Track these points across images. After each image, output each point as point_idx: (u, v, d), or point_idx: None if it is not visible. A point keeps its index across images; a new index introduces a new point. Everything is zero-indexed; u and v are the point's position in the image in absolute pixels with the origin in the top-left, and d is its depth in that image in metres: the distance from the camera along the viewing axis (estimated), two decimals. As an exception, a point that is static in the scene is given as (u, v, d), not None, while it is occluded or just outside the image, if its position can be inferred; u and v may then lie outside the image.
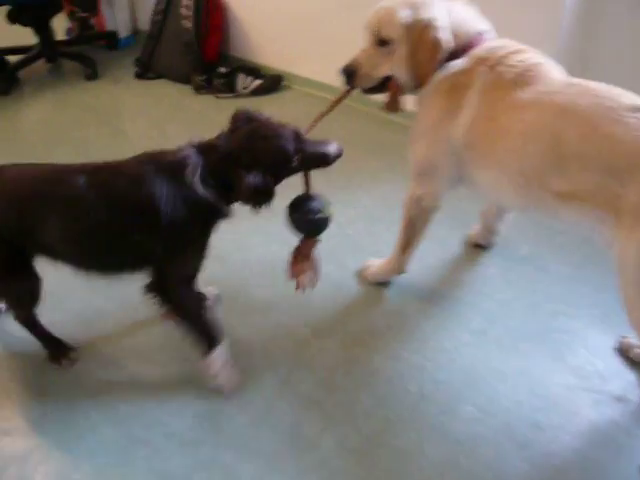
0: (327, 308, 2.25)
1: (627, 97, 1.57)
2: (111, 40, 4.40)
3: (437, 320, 2.20)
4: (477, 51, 1.78)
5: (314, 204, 1.80)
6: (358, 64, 1.92)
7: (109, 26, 4.38)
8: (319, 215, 1.80)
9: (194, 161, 1.64)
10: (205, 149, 1.68)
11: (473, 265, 2.45)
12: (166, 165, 1.66)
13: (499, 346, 2.09)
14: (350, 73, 1.93)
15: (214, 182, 1.66)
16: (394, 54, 1.83)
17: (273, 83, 3.69)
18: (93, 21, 4.42)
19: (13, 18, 3.99)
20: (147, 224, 1.66)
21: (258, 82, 3.65)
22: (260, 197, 1.66)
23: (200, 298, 2.03)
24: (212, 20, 3.78)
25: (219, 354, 1.88)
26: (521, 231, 2.55)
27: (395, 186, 2.83)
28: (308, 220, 1.81)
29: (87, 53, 4.24)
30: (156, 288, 1.79)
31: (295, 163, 1.70)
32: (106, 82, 4.05)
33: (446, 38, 1.76)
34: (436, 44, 1.76)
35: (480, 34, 1.82)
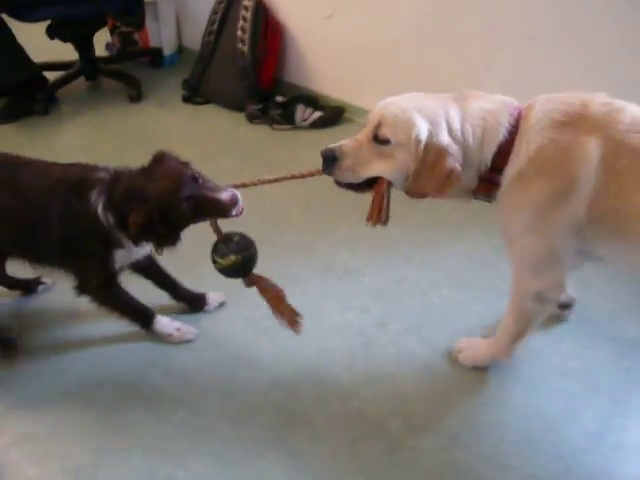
0: (417, 397, 1.97)
1: None
2: (155, 58, 4.13)
3: (546, 418, 1.92)
4: (545, 119, 1.54)
5: (224, 248, 1.83)
6: (343, 153, 1.63)
7: (153, 42, 4.11)
8: (233, 256, 1.82)
9: (103, 186, 1.77)
10: (117, 178, 1.79)
11: (577, 348, 2.16)
12: (78, 181, 1.79)
13: (618, 452, 1.80)
14: (331, 159, 1.64)
15: (115, 211, 1.76)
16: (393, 158, 1.60)
17: (334, 115, 3.40)
18: (136, 36, 4.16)
19: (53, 33, 3.75)
20: (41, 231, 1.83)
21: (318, 114, 3.37)
22: (146, 236, 1.75)
23: (118, 288, 2.01)
24: (269, 44, 3.50)
25: (162, 325, 2.09)
26: (627, 307, 2.26)
27: (479, 244, 2.55)
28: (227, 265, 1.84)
29: (130, 71, 3.99)
30: (78, 289, 1.96)
31: (185, 208, 1.71)
32: (151, 105, 3.79)
33: (459, 166, 1.54)
34: (451, 175, 1.54)
35: (511, 106, 1.60)
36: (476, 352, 2.03)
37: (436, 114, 1.55)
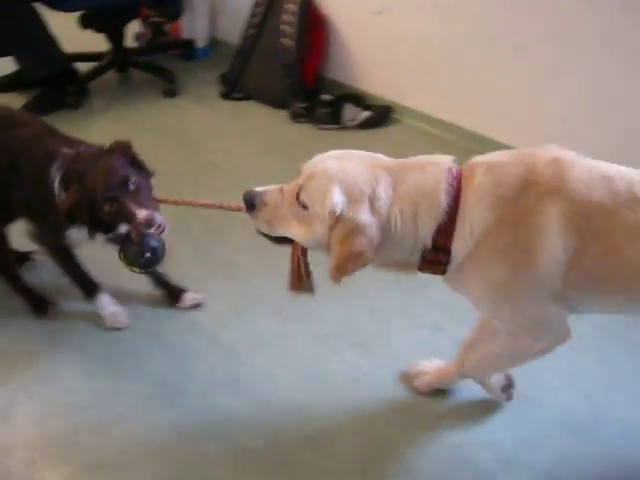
0: (504, 426, 1.87)
1: None
2: (187, 50, 3.98)
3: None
4: (487, 197, 1.37)
5: (132, 250, 1.86)
6: (263, 204, 1.49)
7: (186, 34, 3.96)
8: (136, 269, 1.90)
9: (64, 162, 1.83)
10: (78, 157, 1.84)
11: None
12: (48, 153, 1.87)
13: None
14: (250, 206, 1.51)
15: (64, 189, 1.83)
16: (311, 225, 1.44)
17: (381, 115, 3.28)
18: (168, 27, 4.00)
19: (86, 23, 3.59)
20: (13, 185, 1.95)
21: (367, 114, 3.24)
22: (73, 221, 1.83)
23: (67, 252, 2.06)
24: (314, 39, 3.36)
25: (102, 302, 2.13)
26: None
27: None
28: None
29: (161, 64, 3.84)
30: (33, 237, 2.06)
31: (106, 208, 1.76)
32: (186, 100, 3.64)
33: (369, 249, 1.37)
34: (358, 257, 1.37)
35: (449, 180, 1.40)
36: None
37: (360, 189, 1.38)
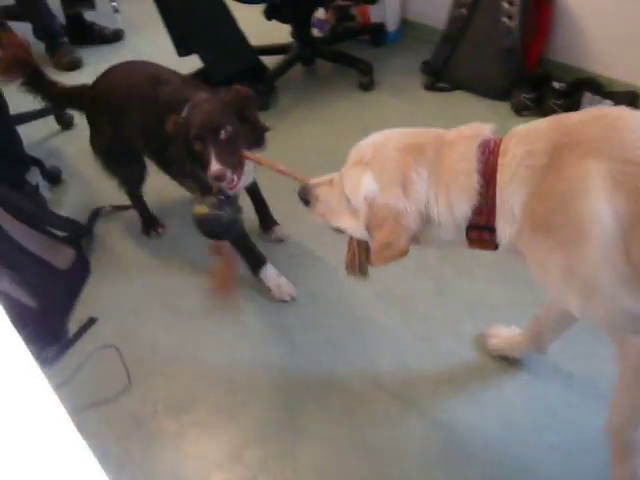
0: None
1: None
2: (377, 35, 3.59)
3: None
4: (521, 170, 1.22)
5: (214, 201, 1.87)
6: (315, 198, 1.49)
7: (375, 16, 3.58)
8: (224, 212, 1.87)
9: (191, 104, 1.94)
10: (199, 99, 1.95)
11: None
12: (184, 99, 1.98)
13: None
14: (305, 202, 1.52)
15: None
16: (358, 216, 1.39)
17: (626, 104, 2.75)
18: (355, 10, 3.64)
19: (272, 14, 3.31)
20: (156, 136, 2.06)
21: (610, 103, 2.74)
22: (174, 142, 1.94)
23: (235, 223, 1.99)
24: (539, 18, 2.89)
25: (268, 274, 2.20)
26: None
27: None
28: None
29: (347, 52, 3.49)
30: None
31: (196, 147, 1.87)
32: (383, 92, 3.27)
33: (406, 237, 1.32)
34: (394, 244, 1.32)
35: (482, 159, 1.26)
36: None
37: (392, 175, 1.32)
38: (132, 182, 2.47)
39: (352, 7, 3.60)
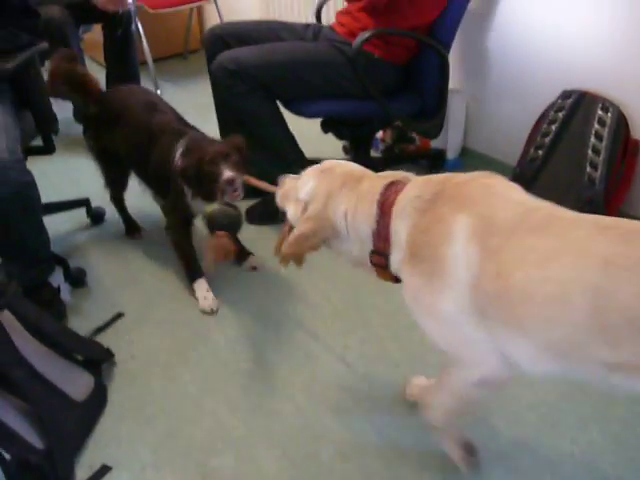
0: None
1: None
2: (436, 161, 3.40)
3: None
4: (409, 207, 1.48)
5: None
6: (282, 183, 1.84)
7: (435, 142, 3.40)
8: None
9: (188, 139, 2.37)
10: (197, 137, 2.42)
11: None
12: (178, 131, 2.43)
13: None
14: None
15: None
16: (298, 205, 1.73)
17: None
18: (414, 132, 3.46)
19: (327, 128, 3.13)
20: (148, 158, 2.49)
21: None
22: (183, 177, 2.30)
23: (185, 230, 2.54)
24: (626, 170, 2.69)
25: (200, 285, 2.54)
26: None
27: None
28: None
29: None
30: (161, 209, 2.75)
31: (206, 168, 2.22)
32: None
33: (314, 240, 1.66)
34: (309, 245, 1.68)
35: (383, 194, 1.55)
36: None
37: (326, 188, 1.63)
38: (115, 185, 2.86)
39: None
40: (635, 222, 1.29)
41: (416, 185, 1.51)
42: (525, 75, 3.04)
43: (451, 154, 3.40)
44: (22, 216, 2.23)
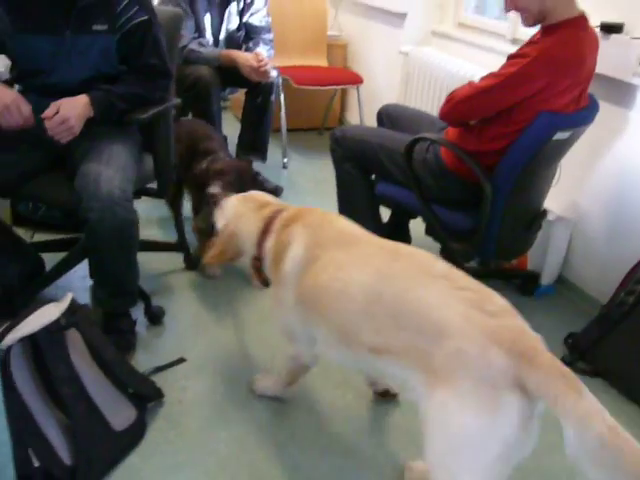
0: None
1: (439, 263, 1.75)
2: (529, 283, 3.35)
3: None
4: (277, 224, 2.12)
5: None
6: (220, 204, 2.47)
7: (531, 263, 3.35)
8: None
9: (212, 157, 3.08)
10: (220, 156, 3.11)
11: None
12: (209, 150, 3.14)
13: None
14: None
15: None
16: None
17: None
18: (511, 251, 3.43)
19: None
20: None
21: None
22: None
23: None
24: None
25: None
26: None
27: None
28: None
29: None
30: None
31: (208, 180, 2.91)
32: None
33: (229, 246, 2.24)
34: (225, 257, 2.27)
35: (267, 217, 2.16)
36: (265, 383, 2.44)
37: (238, 210, 2.25)
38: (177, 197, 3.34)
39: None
40: (404, 246, 1.88)
41: (288, 213, 2.10)
42: (637, 217, 2.96)
43: (546, 280, 3.33)
44: (118, 250, 2.44)
